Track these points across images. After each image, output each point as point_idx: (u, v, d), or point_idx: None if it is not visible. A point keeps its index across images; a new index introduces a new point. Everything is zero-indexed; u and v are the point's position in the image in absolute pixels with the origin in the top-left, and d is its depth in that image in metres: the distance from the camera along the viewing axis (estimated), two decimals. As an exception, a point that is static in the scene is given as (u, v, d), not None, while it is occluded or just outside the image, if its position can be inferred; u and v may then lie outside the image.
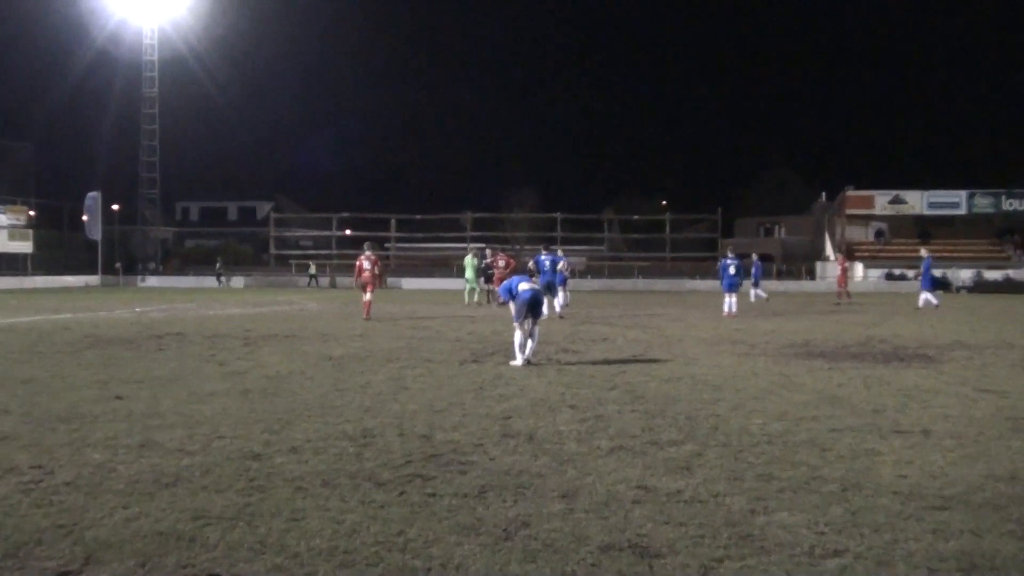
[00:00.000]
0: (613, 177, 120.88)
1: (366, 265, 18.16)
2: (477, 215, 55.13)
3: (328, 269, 50.67)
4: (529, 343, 10.15)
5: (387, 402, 7.46)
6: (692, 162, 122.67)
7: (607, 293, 38.84)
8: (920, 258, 25.25)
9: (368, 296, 18.20)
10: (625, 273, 51.70)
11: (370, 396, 7.78)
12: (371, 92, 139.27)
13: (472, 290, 25.16)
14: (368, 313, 18.08)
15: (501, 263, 23.52)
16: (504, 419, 6.68)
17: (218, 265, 48.31)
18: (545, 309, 17.39)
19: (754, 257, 27.31)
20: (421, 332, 14.97)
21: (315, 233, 63.83)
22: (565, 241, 48.62)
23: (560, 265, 20.05)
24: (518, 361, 10.08)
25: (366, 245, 19.20)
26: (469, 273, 25.11)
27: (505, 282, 10.97)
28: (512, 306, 10.25)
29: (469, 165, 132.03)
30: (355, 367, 9.92)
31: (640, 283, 47.40)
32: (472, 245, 28.21)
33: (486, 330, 15.26)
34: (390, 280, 42.47)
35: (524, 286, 10.25)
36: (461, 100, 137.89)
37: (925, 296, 23.65)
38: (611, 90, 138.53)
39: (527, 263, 15.19)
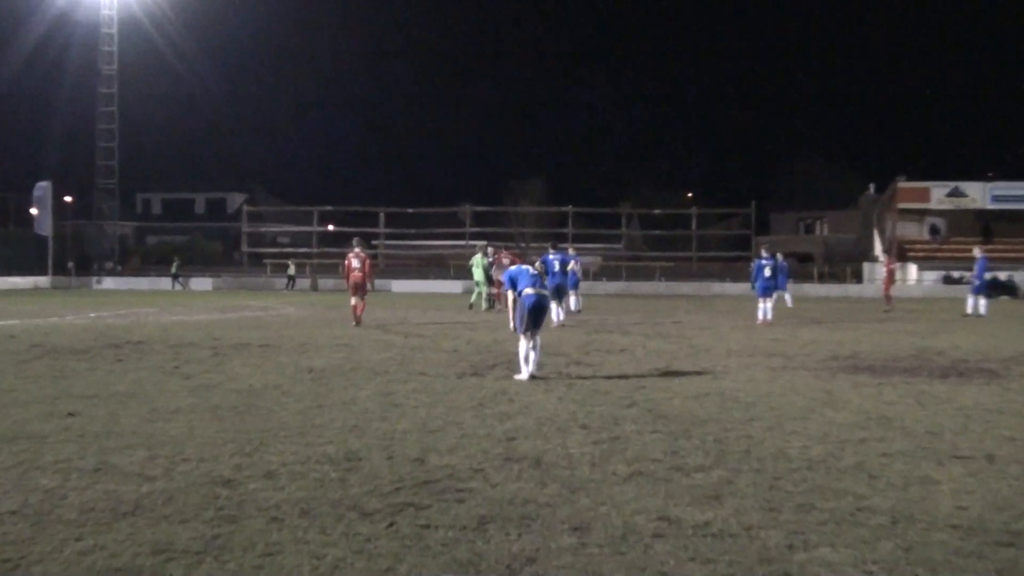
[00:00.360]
0: (632, 166, 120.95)
1: (355, 264, 18.16)
2: (477, 208, 55.25)
3: (308, 269, 50.80)
4: (532, 354, 10.15)
5: (374, 421, 7.47)
6: (722, 149, 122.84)
7: (625, 297, 38.86)
8: (973, 259, 25.16)
9: (358, 299, 18.21)
10: (645, 275, 51.73)
11: (355, 414, 7.79)
12: (357, 72, 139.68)
13: (480, 294, 25.18)
14: (359, 318, 18.11)
15: (505, 262, 23.51)
16: (507, 440, 6.68)
17: (174, 266, 47.96)
18: (554, 315, 17.38)
19: (779, 257, 27.21)
20: (413, 341, 15.00)
21: (293, 229, 64.04)
22: (577, 238, 48.51)
23: (571, 265, 20.05)
24: (523, 375, 10.08)
25: (355, 241, 19.23)
26: (478, 275, 25.06)
27: (510, 269, 10.96)
28: (510, 303, 10.19)
29: (468, 152, 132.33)
30: (338, 381, 9.94)
31: (662, 286, 47.45)
32: (479, 243, 28.24)
33: (487, 339, 15.29)
34: (378, 282, 42.57)
35: (529, 291, 10.25)
36: (459, 78, 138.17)
37: (977, 302, 23.68)
38: (629, 68, 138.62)
39: (534, 263, 15.19)
